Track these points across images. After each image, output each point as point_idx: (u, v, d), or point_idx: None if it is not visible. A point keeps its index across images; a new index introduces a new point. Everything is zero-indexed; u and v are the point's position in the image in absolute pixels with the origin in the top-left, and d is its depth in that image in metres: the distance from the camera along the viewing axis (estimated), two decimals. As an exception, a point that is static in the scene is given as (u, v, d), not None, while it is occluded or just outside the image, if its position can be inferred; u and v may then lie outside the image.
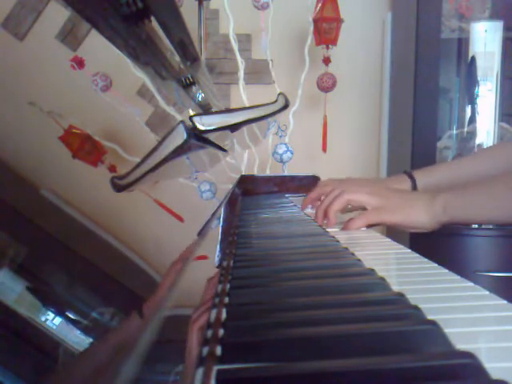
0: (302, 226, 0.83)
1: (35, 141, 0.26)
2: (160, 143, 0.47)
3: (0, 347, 0.16)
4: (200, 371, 0.27)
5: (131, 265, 0.28)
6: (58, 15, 0.36)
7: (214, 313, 0.36)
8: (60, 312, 0.19)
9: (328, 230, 0.79)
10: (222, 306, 0.37)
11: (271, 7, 1.83)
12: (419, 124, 1.85)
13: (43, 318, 0.18)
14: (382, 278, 0.44)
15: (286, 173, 1.75)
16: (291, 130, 1.92)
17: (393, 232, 2.13)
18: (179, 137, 0.48)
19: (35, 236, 0.21)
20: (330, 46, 1.95)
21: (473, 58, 1.98)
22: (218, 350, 0.30)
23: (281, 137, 1.80)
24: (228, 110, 1.13)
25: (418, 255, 0.61)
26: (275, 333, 0.32)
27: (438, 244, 1.79)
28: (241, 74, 1.89)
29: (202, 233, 0.48)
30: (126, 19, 0.50)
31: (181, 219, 0.45)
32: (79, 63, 0.35)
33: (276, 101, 1.02)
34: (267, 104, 0.99)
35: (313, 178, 1.49)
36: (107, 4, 0.46)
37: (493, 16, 1.99)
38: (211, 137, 0.71)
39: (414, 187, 0.98)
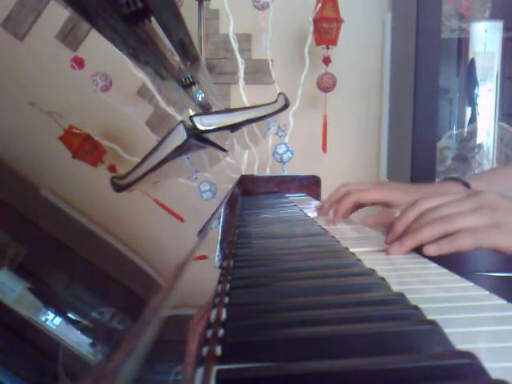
0: (302, 226, 0.83)
1: (35, 141, 0.26)
2: (160, 143, 0.47)
3: (0, 347, 0.16)
4: (200, 371, 0.27)
5: (131, 265, 0.28)
6: (58, 15, 0.36)
7: (214, 313, 0.36)
8: (60, 312, 0.19)
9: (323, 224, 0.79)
10: (221, 306, 0.37)
11: (271, 7, 1.83)
12: (419, 124, 1.85)
13: (43, 318, 0.18)
14: (382, 278, 0.44)
15: (286, 173, 1.75)
16: (291, 130, 1.92)
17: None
18: (179, 137, 0.48)
19: (35, 236, 0.21)
20: (330, 46, 1.95)
21: (472, 60, 1.98)
22: (218, 350, 0.30)
23: (281, 137, 1.80)
24: (228, 110, 1.13)
25: (417, 255, 0.61)
26: (275, 333, 0.32)
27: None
28: (241, 74, 1.89)
29: (201, 233, 0.48)
30: (126, 19, 0.50)
31: (181, 219, 0.45)
32: (79, 63, 0.35)
33: (276, 101, 1.02)
34: (267, 104, 0.99)
35: (313, 178, 1.49)
36: (107, 4, 0.46)
37: (493, 16, 1.99)
38: (211, 137, 0.71)
39: None
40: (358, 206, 0.86)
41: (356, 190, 0.85)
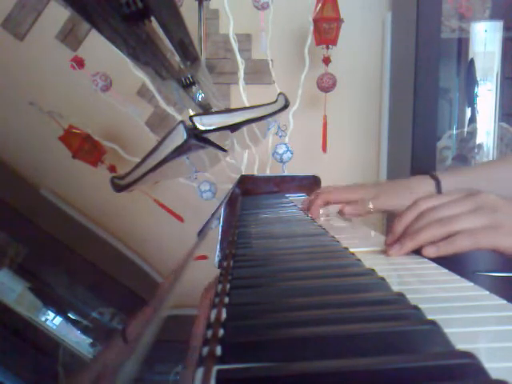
0: (302, 226, 0.83)
1: (35, 141, 0.26)
2: (160, 143, 0.47)
3: (0, 347, 0.16)
4: (200, 371, 0.27)
5: (131, 265, 0.28)
6: (58, 15, 0.36)
7: (214, 313, 0.36)
8: (60, 312, 0.19)
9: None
10: (221, 306, 0.37)
11: (271, 7, 1.83)
12: (419, 124, 1.85)
13: (43, 318, 0.18)
14: (382, 278, 0.44)
15: (286, 173, 1.75)
16: (291, 130, 1.92)
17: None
18: (179, 137, 0.48)
19: (35, 236, 0.21)
20: (330, 46, 1.95)
21: (472, 60, 1.98)
22: (218, 350, 0.30)
23: (281, 137, 1.80)
24: (228, 110, 1.13)
25: (417, 255, 0.61)
26: (275, 333, 0.32)
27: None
28: (241, 74, 1.89)
29: (201, 233, 0.48)
30: (126, 19, 0.50)
31: (181, 219, 0.45)
32: (79, 63, 0.35)
33: (276, 101, 1.02)
34: (267, 104, 0.99)
35: (313, 178, 1.49)
36: (107, 4, 0.46)
37: (493, 16, 1.99)
38: (211, 137, 0.71)
39: (439, 189, 0.86)
40: (327, 204, 1.00)
41: (324, 192, 0.99)
